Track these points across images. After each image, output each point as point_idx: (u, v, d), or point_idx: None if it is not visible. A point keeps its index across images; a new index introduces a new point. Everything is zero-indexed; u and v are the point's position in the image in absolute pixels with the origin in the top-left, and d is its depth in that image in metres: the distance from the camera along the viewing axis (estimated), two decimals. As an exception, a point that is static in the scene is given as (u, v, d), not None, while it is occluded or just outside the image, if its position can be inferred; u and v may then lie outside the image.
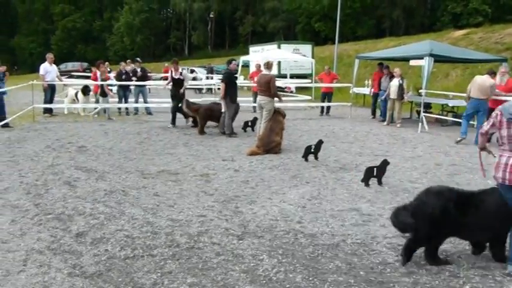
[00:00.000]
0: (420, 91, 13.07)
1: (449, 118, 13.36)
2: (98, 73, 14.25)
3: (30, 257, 3.97)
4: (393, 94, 12.50)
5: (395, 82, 12.48)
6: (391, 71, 13.27)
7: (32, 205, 5.38)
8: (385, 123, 12.90)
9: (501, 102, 10.26)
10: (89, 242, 4.31)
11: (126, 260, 3.94)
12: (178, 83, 11.77)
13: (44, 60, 13.99)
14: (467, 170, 7.65)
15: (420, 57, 12.43)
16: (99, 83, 13.92)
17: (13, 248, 4.15)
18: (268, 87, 9.06)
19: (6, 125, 11.33)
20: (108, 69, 26.12)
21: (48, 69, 13.70)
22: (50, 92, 13.77)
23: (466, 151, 9.35)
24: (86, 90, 14.25)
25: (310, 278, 3.67)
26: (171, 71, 12.03)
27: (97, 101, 14.52)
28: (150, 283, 3.55)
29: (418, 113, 13.19)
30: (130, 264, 3.87)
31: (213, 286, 3.52)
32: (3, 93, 11.71)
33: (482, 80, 10.26)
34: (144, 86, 15.47)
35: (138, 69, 15.53)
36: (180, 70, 12.00)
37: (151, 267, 3.82)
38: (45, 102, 13.76)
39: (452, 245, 4.36)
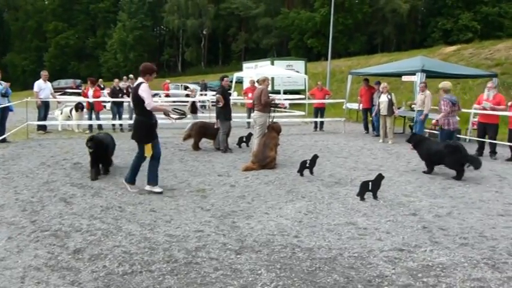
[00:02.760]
0: (412, 106, 13.24)
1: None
2: (90, 90, 14.35)
3: (28, 274, 3.95)
4: (384, 110, 12.50)
5: (384, 98, 12.51)
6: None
7: (29, 222, 5.36)
8: (380, 140, 12.83)
9: (491, 116, 10.49)
10: (87, 259, 4.30)
11: (124, 276, 3.94)
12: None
13: (37, 78, 14.05)
14: (461, 183, 7.74)
15: (412, 73, 12.63)
16: (91, 99, 14.04)
17: (10, 265, 4.13)
18: (259, 101, 9.18)
19: (3, 140, 11.40)
20: (102, 86, 26.28)
21: (42, 87, 13.74)
22: (44, 109, 13.79)
23: (459, 165, 9.45)
24: (78, 106, 14.27)
25: (309, 292, 3.69)
26: None
27: (90, 118, 14.53)
28: (149, 298, 3.56)
29: (411, 127, 13.34)
30: (128, 280, 3.87)
31: (212, 301, 3.53)
32: (11, 109, 11.80)
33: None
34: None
35: (126, 84, 15.66)
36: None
37: (150, 282, 3.82)
38: (39, 119, 13.75)
39: (448, 258, 4.40)
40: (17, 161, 9.18)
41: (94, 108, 14.35)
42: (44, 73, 14.08)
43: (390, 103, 12.34)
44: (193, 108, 14.13)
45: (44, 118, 13.90)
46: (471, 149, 11.36)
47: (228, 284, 3.81)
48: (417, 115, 12.00)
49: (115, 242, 4.74)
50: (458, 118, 10.19)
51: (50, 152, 10.32)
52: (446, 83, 9.83)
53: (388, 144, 12.34)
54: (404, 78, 13.57)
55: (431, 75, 13.31)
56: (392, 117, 12.59)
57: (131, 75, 17.29)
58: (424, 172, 8.58)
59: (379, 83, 13.88)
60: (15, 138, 12.24)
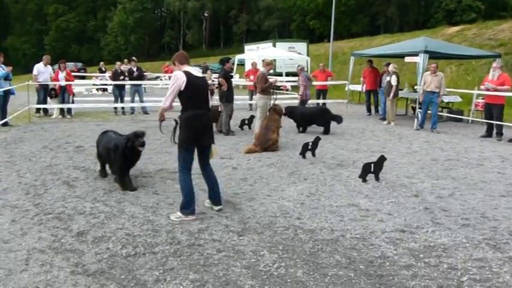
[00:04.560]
0: (415, 87, 13.15)
1: (445, 114, 13.45)
2: (60, 73, 13.83)
3: (32, 256, 3.99)
4: (385, 92, 12.55)
5: (385, 79, 12.58)
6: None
7: (32, 205, 5.39)
8: (385, 122, 12.83)
9: (495, 97, 10.41)
10: (90, 241, 4.33)
11: (128, 258, 3.97)
12: None
13: (38, 61, 13.96)
14: (463, 164, 7.73)
15: (415, 54, 12.50)
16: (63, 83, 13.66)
17: (15, 248, 4.16)
18: (260, 84, 9.15)
19: (5, 124, 11.47)
20: (103, 69, 26.18)
21: (41, 70, 13.73)
22: (43, 92, 13.75)
23: (462, 146, 9.44)
24: (51, 94, 13.79)
25: (311, 273, 3.71)
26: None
27: (62, 102, 13.88)
28: (152, 280, 3.59)
29: (414, 109, 13.27)
30: (132, 261, 3.90)
31: (215, 282, 3.56)
32: (12, 93, 11.80)
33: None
34: (140, 85, 15.46)
35: (134, 69, 15.53)
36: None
37: (153, 264, 3.86)
38: (38, 102, 13.74)
39: (450, 239, 4.42)
40: (20, 145, 9.20)
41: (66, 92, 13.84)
42: (47, 57, 14.00)
43: (389, 85, 12.28)
44: (210, 91, 13.96)
45: (44, 101, 13.87)
46: (474, 130, 11.37)
47: (230, 265, 3.84)
48: (432, 96, 11.43)
49: (118, 224, 4.77)
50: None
51: (52, 136, 10.33)
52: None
53: (391, 125, 12.30)
54: (407, 59, 13.43)
55: (435, 56, 13.18)
56: (391, 99, 12.43)
57: (134, 58, 17.11)
58: (300, 132, 10.96)
59: (388, 65, 13.66)
60: (17, 122, 12.25)
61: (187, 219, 4.86)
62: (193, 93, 4.87)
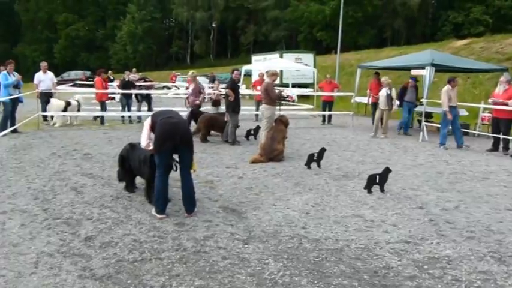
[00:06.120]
0: (421, 100, 13.19)
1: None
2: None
3: (41, 260, 4.05)
4: (382, 104, 12.39)
5: (383, 92, 12.42)
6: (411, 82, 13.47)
7: (41, 210, 5.47)
8: (371, 133, 12.58)
9: (503, 111, 10.41)
10: (98, 246, 4.40)
11: (134, 263, 4.02)
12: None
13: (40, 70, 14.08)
14: (469, 178, 7.74)
15: (422, 67, 12.57)
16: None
17: (24, 251, 4.23)
18: (266, 95, 9.21)
19: (15, 131, 11.59)
20: (111, 78, 26.46)
21: (41, 78, 13.78)
22: (46, 100, 13.81)
23: (468, 160, 9.45)
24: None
25: (315, 282, 3.74)
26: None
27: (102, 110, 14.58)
28: (158, 285, 3.63)
29: (420, 122, 13.30)
30: (138, 267, 3.96)
31: (220, 288, 3.60)
32: (20, 100, 11.95)
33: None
34: (149, 94, 15.62)
35: (136, 76, 15.78)
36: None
37: (160, 270, 3.91)
38: (43, 110, 13.79)
39: (454, 251, 4.44)
40: (29, 151, 9.31)
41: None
42: (43, 64, 14.05)
43: (389, 98, 12.26)
44: (216, 101, 14.07)
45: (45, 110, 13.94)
46: (480, 144, 11.37)
47: (236, 273, 3.88)
48: (455, 111, 11.08)
49: (125, 230, 4.83)
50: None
51: (60, 143, 10.45)
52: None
53: (396, 138, 12.34)
54: (414, 72, 13.51)
55: (441, 69, 13.24)
56: (389, 112, 12.48)
57: (134, 69, 17.35)
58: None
59: (413, 79, 13.71)
60: (26, 129, 12.39)
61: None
62: None
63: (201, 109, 12.31)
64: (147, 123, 5.42)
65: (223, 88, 12.78)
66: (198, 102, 11.46)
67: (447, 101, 10.85)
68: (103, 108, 14.50)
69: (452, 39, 31.46)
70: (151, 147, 5.36)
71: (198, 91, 11.71)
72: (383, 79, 12.65)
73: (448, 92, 10.87)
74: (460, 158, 9.67)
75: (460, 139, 11.03)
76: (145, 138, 5.38)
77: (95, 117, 14.77)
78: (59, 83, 18.31)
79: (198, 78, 12.41)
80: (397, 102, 13.39)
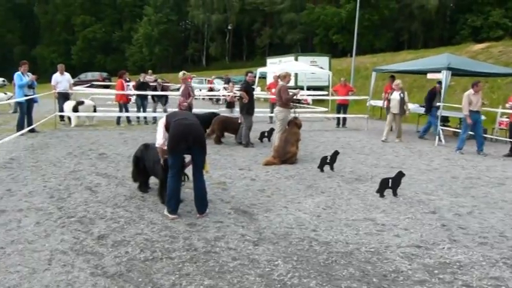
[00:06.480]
0: (437, 104, 13.06)
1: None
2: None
3: (54, 257, 4.14)
4: (394, 108, 12.08)
5: (395, 96, 12.07)
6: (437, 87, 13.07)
7: (56, 208, 5.58)
8: (383, 137, 12.31)
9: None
10: (110, 244, 4.46)
11: (145, 262, 4.08)
12: None
13: (65, 70, 14.44)
14: (484, 183, 7.64)
15: (438, 71, 12.44)
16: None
17: (38, 248, 4.32)
18: (280, 97, 9.24)
19: (32, 130, 11.80)
20: (127, 79, 26.77)
21: (59, 79, 14.16)
22: (63, 100, 14.13)
23: (484, 165, 9.33)
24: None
25: (324, 284, 3.75)
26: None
27: (121, 111, 14.85)
28: (168, 284, 3.68)
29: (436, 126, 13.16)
30: (149, 265, 4.01)
31: (229, 289, 3.63)
32: (35, 101, 12.21)
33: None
34: (164, 95, 15.78)
35: (152, 78, 15.94)
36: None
37: (170, 269, 3.95)
38: (60, 110, 14.08)
39: (466, 256, 4.39)
40: (45, 151, 9.49)
41: None
42: (60, 66, 14.46)
43: (402, 102, 11.99)
44: (230, 103, 14.12)
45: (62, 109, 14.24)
46: (497, 149, 11.21)
47: (245, 273, 3.90)
48: (477, 116, 10.80)
49: (137, 229, 4.90)
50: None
51: (76, 143, 10.62)
52: None
53: (411, 142, 12.22)
54: (430, 75, 13.42)
55: (458, 73, 13.09)
56: (401, 116, 12.26)
57: (150, 71, 17.49)
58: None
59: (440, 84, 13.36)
60: (43, 129, 12.62)
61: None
62: None
63: (215, 111, 12.34)
64: (162, 122, 5.48)
65: (237, 90, 12.81)
66: (186, 104, 11.25)
67: (467, 105, 10.62)
68: (122, 109, 14.77)
69: (470, 43, 31.05)
70: (166, 147, 5.41)
71: (188, 93, 11.36)
72: (395, 82, 12.41)
73: (469, 96, 10.64)
74: (476, 163, 9.55)
75: (481, 146, 10.75)
76: (161, 137, 5.42)
77: (118, 120, 14.92)
78: (76, 84, 18.68)
79: (215, 80, 12.38)
80: (411, 106, 13.26)
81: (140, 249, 4.35)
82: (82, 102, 14.29)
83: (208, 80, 32.01)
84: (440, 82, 13.27)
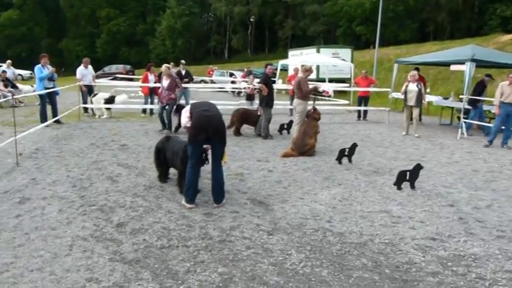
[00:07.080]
0: (461, 97, 12.81)
1: (491, 125, 12.98)
2: (149, 75, 15.00)
3: (75, 243, 4.30)
4: (411, 101, 11.62)
5: (413, 87, 11.59)
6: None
7: (78, 197, 5.76)
8: (403, 132, 12.01)
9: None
10: (129, 232, 4.61)
11: (162, 249, 4.20)
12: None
13: (90, 63, 14.83)
14: (506, 177, 7.51)
15: (461, 62, 12.20)
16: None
17: (60, 235, 4.50)
18: (299, 89, 9.24)
19: (57, 121, 12.16)
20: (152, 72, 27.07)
21: (84, 73, 14.65)
22: (88, 93, 14.64)
23: (507, 158, 9.15)
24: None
25: (336, 273, 3.79)
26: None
27: (146, 102, 15.14)
28: (183, 270, 3.79)
29: (459, 118, 12.92)
30: (166, 253, 4.13)
31: (242, 276, 3.71)
32: (57, 93, 12.55)
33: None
34: (187, 88, 15.91)
35: (183, 72, 16.01)
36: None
37: (185, 256, 4.06)
38: (84, 102, 14.49)
39: (482, 249, 4.36)
40: (69, 141, 9.75)
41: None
42: (85, 59, 14.94)
43: (419, 93, 11.54)
44: (250, 96, 14.18)
45: (86, 102, 14.64)
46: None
47: (258, 262, 3.98)
48: (511, 109, 10.34)
49: (155, 218, 5.03)
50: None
51: (99, 134, 10.87)
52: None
53: (433, 135, 12.05)
54: (453, 67, 13.16)
55: (483, 64, 12.80)
56: (419, 109, 11.97)
57: (183, 61, 17.55)
58: None
59: (488, 76, 13.00)
60: (68, 120, 12.94)
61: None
62: None
63: (236, 103, 12.37)
64: (186, 110, 5.58)
65: (257, 83, 12.83)
66: (173, 96, 11.16)
67: (499, 95, 10.37)
68: (148, 101, 15.15)
69: (499, 34, 30.19)
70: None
71: (175, 85, 11.24)
72: (411, 73, 11.95)
73: (502, 86, 10.36)
74: (500, 156, 9.38)
75: (506, 139, 10.49)
76: (186, 119, 5.47)
77: (144, 111, 15.24)
78: (100, 77, 19.04)
79: (234, 72, 12.40)
80: (435, 98, 13.02)
81: (157, 237, 4.48)
82: (113, 98, 14.61)
83: (209, 72, 32.03)
84: (488, 75, 12.90)
